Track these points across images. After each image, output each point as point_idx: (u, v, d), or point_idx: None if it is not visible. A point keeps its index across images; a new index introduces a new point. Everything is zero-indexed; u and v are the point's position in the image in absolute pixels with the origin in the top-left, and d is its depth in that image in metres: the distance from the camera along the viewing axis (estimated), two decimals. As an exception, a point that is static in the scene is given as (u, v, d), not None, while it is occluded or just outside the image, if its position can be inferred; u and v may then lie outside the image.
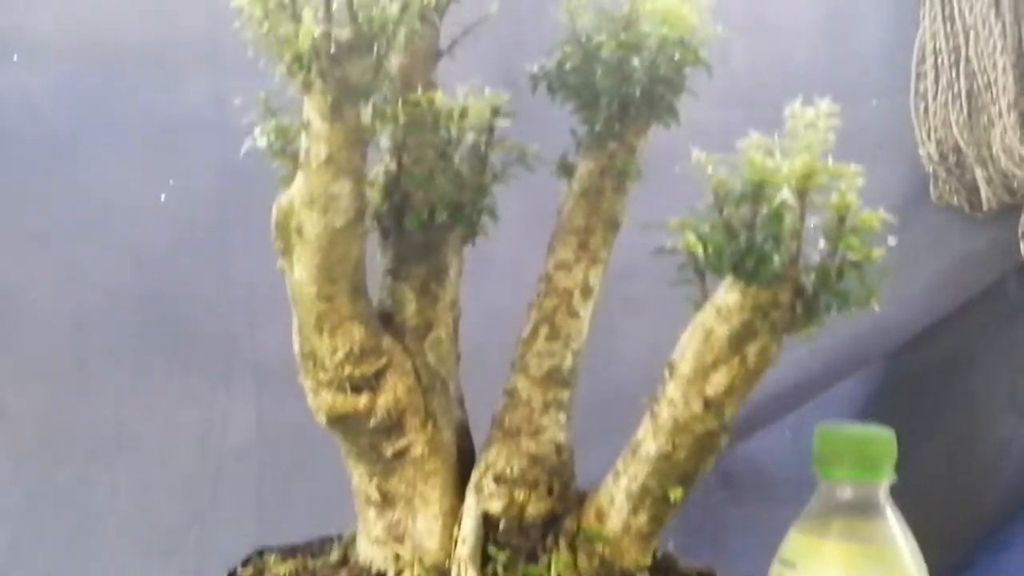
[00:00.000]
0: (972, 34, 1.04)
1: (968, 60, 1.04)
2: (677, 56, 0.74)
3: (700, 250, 0.66)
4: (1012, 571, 1.25)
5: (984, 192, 1.06)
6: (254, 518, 1.14)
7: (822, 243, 0.66)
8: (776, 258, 0.65)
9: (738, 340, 0.67)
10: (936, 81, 1.07)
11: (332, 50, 0.63)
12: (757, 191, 0.66)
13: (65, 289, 1.14)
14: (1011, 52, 1.01)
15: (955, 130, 1.05)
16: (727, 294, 0.68)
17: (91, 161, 1.14)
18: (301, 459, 1.12)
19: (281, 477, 1.14)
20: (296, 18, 0.62)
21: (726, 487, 1.25)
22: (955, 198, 1.09)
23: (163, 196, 1.14)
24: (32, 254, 1.14)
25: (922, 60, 1.08)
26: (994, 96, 1.02)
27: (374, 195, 0.74)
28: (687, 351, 0.69)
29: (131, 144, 1.14)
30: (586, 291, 0.78)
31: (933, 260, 1.14)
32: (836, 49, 1.14)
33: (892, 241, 0.67)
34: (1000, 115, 1.01)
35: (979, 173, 1.05)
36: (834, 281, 0.66)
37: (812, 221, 0.67)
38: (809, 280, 0.66)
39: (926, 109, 1.08)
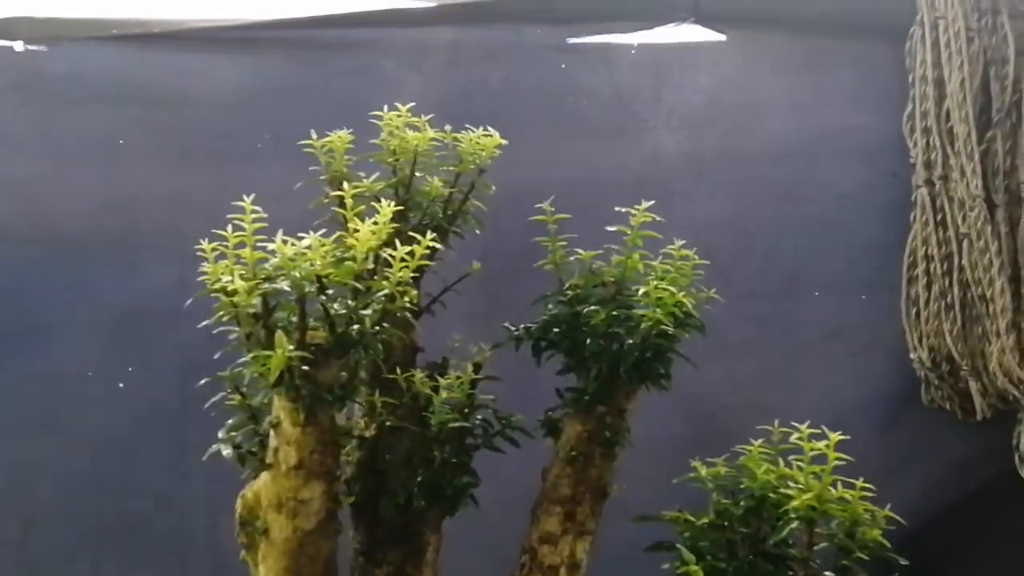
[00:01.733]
0: (966, 243, 1.01)
1: (962, 269, 1.01)
2: (671, 331, 0.71)
3: None
4: None
5: (978, 403, 1.03)
6: None
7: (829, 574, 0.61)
8: (782, 584, 0.61)
9: (739, 663, 0.63)
10: (928, 287, 1.04)
11: (304, 367, 0.58)
12: (759, 505, 0.62)
13: (16, 485, 1.08)
14: (1007, 267, 0.99)
15: (948, 340, 1.02)
16: (728, 609, 0.63)
17: (50, 349, 1.09)
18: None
19: None
20: (270, 329, 0.58)
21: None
22: (947, 404, 1.06)
23: (121, 384, 1.09)
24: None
25: (914, 264, 1.05)
26: (991, 313, 0.98)
27: (348, 467, 0.69)
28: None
29: (91, 331, 1.09)
30: (573, 568, 0.73)
31: (925, 463, 1.10)
32: (826, 244, 1.12)
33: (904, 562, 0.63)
34: (998, 335, 0.98)
35: (973, 385, 1.02)
36: (845, 609, 0.61)
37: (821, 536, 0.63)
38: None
39: (918, 314, 1.05)
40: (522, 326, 0.75)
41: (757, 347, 1.11)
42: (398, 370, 0.68)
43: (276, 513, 0.63)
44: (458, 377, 0.70)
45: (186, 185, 1.07)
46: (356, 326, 0.58)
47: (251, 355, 0.58)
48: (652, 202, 0.71)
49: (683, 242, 0.73)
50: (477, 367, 0.72)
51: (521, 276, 0.77)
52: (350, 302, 0.59)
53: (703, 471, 0.63)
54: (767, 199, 1.11)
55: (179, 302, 1.05)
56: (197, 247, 0.64)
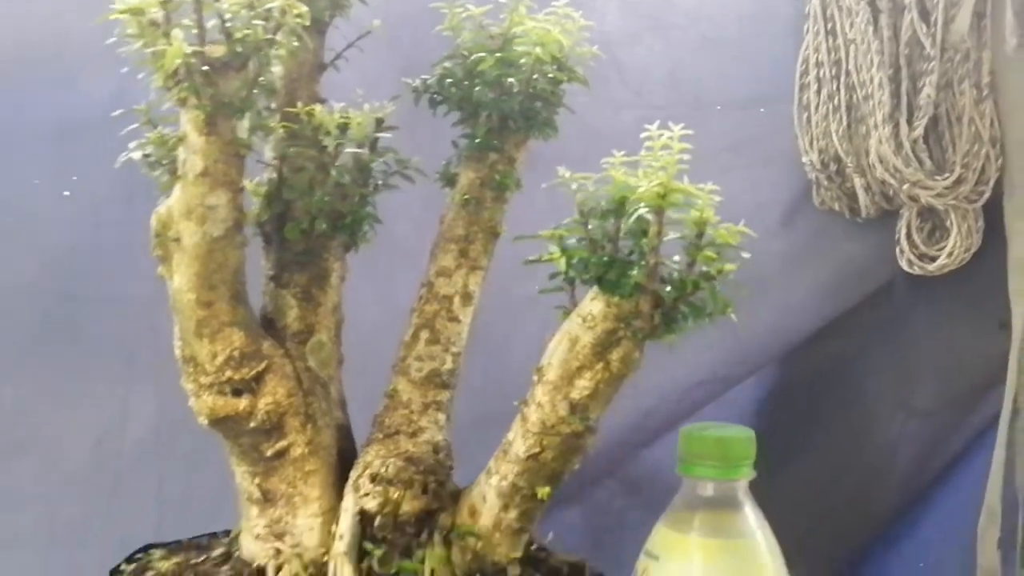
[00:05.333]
0: (852, 48, 1.08)
1: (848, 73, 1.09)
2: (552, 74, 0.78)
3: (563, 263, 0.69)
4: (903, 563, 1.30)
5: (862, 199, 1.10)
6: (155, 513, 1.15)
7: (678, 257, 0.69)
8: (636, 271, 0.69)
9: (602, 347, 0.71)
10: (818, 92, 1.11)
11: (204, 68, 0.65)
12: (619, 207, 0.69)
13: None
14: (887, 67, 1.06)
15: (835, 140, 1.10)
16: (592, 303, 0.71)
17: (-5, 164, 1.14)
18: (201, 456, 1.12)
19: (181, 473, 1.15)
20: (167, 36, 0.64)
21: (630, 494, 1.29)
22: (836, 204, 1.14)
23: (67, 192, 1.14)
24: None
25: (805, 72, 1.13)
26: (871, 108, 1.06)
27: (257, 203, 0.76)
28: (554, 357, 0.72)
29: (34, 144, 1.14)
30: (466, 297, 0.81)
31: (819, 264, 1.19)
32: (727, 60, 1.18)
33: (746, 255, 0.70)
34: (876, 127, 1.05)
35: (858, 181, 1.10)
36: (690, 293, 0.69)
37: (674, 236, 0.70)
38: (668, 292, 0.70)
39: (809, 119, 1.13)
40: (419, 79, 0.81)
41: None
42: (299, 104, 0.75)
43: (187, 221, 0.70)
44: (357, 119, 0.76)
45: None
46: (249, 34, 0.64)
47: (150, 52, 0.64)
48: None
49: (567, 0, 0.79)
50: (379, 121, 0.79)
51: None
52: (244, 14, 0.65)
53: (567, 174, 0.70)
54: (673, 19, 1.18)
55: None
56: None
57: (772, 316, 1.17)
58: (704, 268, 0.69)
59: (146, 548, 0.82)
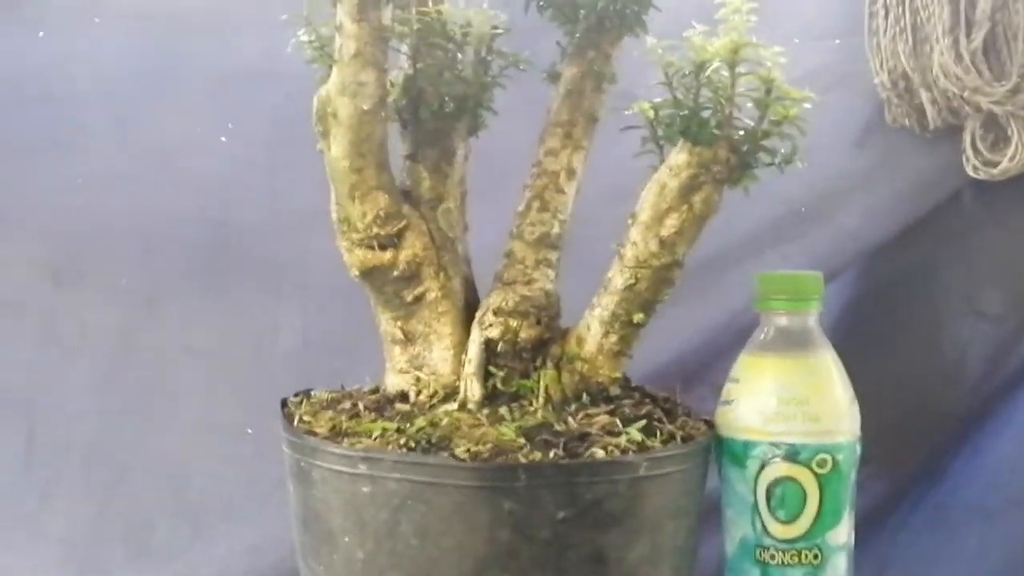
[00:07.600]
0: (915, -24, 1.20)
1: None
2: (640, -23, 0.92)
3: (651, 115, 0.83)
4: (985, 476, 1.37)
5: (930, 112, 1.21)
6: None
7: (750, 105, 0.82)
8: (713, 122, 0.82)
9: (686, 191, 0.84)
10: (886, 18, 1.23)
11: (358, -39, 0.81)
12: (698, 68, 0.83)
13: (139, 221, 1.33)
14: (947, -10, 1.18)
15: (903, 59, 1.21)
16: (677, 155, 0.84)
17: (161, 111, 1.33)
18: (342, 362, 1.28)
19: (324, 376, 1.31)
20: (331, -60, 0.81)
21: (718, 397, 1.40)
22: (906, 120, 1.24)
23: (223, 138, 1.32)
24: (110, 192, 1.33)
25: (874, 1, 1.25)
26: (933, 26, 1.18)
27: (394, 92, 0.92)
28: (645, 203, 0.85)
29: (195, 95, 1.33)
30: (570, 173, 0.95)
31: (892, 176, 1.29)
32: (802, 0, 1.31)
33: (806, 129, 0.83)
34: (938, 41, 1.17)
35: (924, 96, 1.21)
36: (761, 139, 0.82)
37: (745, 95, 0.83)
38: (742, 140, 0.83)
39: (878, 44, 1.24)
40: (528, -15, 0.96)
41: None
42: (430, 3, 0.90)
43: (342, 96, 0.85)
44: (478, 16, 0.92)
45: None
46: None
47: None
48: None
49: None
50: (494, 26, 0.94)
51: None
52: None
53: (650, 41, 0.84)
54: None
55: (268, 70, 1.31)
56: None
57: (851, 224, 1.28)
58: (773, 118, 0.82)
59: (307, 391, 0.97)
